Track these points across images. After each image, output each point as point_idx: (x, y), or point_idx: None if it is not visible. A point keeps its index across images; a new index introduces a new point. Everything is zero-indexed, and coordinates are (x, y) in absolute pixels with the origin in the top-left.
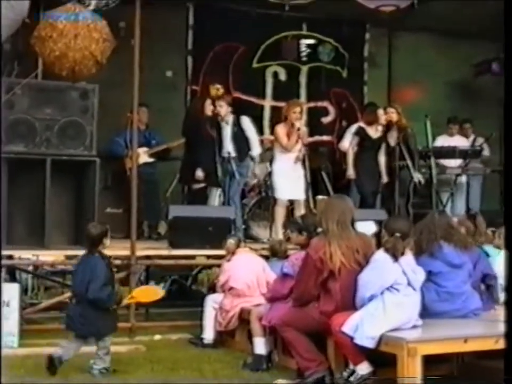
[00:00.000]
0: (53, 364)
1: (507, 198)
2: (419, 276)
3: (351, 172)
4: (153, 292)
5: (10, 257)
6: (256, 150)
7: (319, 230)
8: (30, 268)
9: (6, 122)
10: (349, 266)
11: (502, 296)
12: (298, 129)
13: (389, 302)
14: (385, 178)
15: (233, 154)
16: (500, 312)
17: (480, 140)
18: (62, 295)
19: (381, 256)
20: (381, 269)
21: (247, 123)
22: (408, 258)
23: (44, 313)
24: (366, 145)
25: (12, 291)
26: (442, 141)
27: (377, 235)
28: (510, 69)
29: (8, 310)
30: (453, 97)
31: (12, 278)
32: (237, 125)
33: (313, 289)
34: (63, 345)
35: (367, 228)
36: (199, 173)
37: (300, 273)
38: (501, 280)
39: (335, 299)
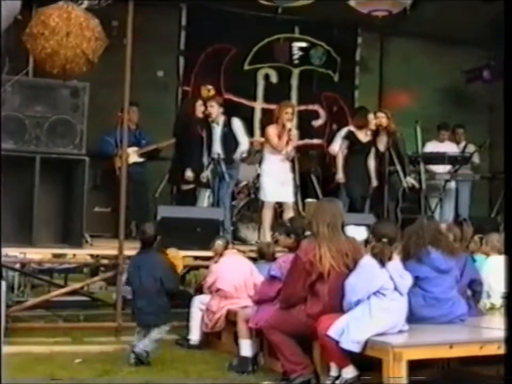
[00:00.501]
0: (141, 361)
1: (508, 202)
2: (406, 280)
3: (340, 176)
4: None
5: None
6: (243, 146)
7: (307, 233)
8: (17, 266)
9: None
10: (338, 269)
11: (487, 302)
12: (290, 130)
13: (376, 306)
14: (374, 183)
15: (222, 155)
16: (485, 318)
17: (471, 147)
18: (49, 294)
19: (368, 261)
20: (368, 274)
21: (237, 125)
22: (395, 263)
23: (30, 312)
24: (355, 149)
25: None
26: (432, 147)
27: (366, 240)
28: (509, 71)
29: None
30: (444, 103)
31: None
32: (227, 126)
33: (301, 291)
34: (139, 341)
35: (359, 233)
36: (189, 173)
37: (288, 275)
38: (486, 287)
39: (322, 301)
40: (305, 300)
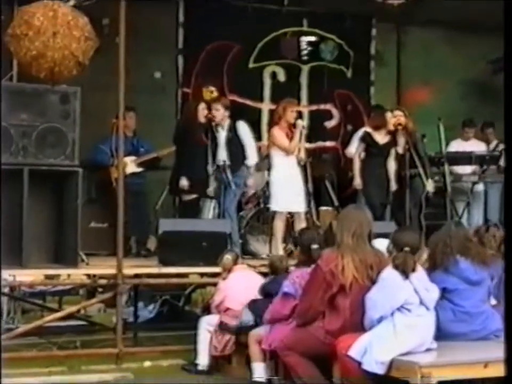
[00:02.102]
0: None
1: (507, 206)
2: (433, 293)
3: (358, 181)
4: None
5: None
6: (252, 158)
7: (314, 246)
8: (6, 289)
9: None
10: (361, 282)
11: None
12: (303, 127)
13: (400, 323)
14: (393, 187)
15: (228, 162)
16: None
17: (501, 146)
18: (42, 319)
19: (389, 274)
20: (390, 288)
21: (244, 129)
22: (419, 274)
23: (21, 340)
24: (373, 152)
25: None
26: (457, 146)
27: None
28: (509, 69)
29: None
30: (469, 97)
31: None
32: (233, 130)
33: (320, 304)
34: None
35: (379, 244)
36: (184, 182)
37: (307, 286)
38: None
39: (343, 317)
40: (324, 315)
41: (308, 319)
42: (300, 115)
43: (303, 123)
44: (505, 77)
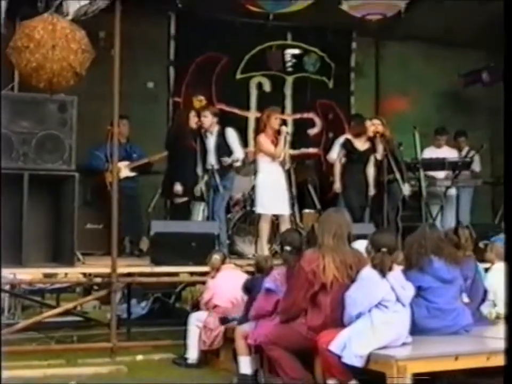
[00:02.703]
0: None
1: (507, 208)
2: (408, 291)
3: (338, 185)
4: None
5: None
6: (238, 154)
7: (288, 248)
8: (7, 287)
9: None
10: (341, 281)
11: (493, 311)
12: (287, 133)
13: (378, 319)
14: (372, 191)
15: (216, 166)
16: (492, 328)
17: (472, 153)
18: (41, 315)
19: (368, 273)
20: (369, 286)
21: (231, 135)
22: (396, 273)
23: (21, 334)
24: (353, 158)
25: None
26: (430, 153)
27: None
28: (510, 74)
29: None
30: (442, 107)
31: None
32: (221, 136)
33: (302, 302)
34: None
35: (358, 245)
36: (178, 187)
37: (291, 285)
38: (491, 296)
39: (324, 313)
40: (306, 312)
41: (291, 316)
42: (284, 122)
43: (287, 129)
44: (505, 78)
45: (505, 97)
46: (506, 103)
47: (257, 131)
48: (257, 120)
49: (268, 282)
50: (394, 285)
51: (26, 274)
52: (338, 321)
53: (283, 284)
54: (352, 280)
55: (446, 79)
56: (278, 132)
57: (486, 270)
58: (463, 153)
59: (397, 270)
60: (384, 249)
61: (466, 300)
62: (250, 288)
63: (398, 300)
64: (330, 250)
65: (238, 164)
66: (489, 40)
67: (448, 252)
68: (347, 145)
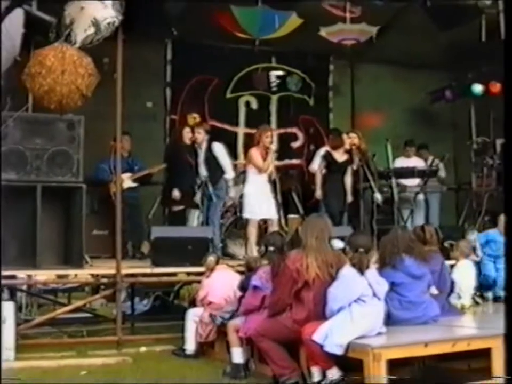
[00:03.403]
0: None
1: (507, 208)
2: (383, 286)
3: (319, 193)
4: None
5: (9, 277)
6: (229, 173)
7: (271, 248)
8: (24, 287)
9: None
10: (322, 278)
11: (458, 303)
12: (275, 151)
13: (356, 312)
14: (350, 198)
15: (208, 178)
16: (456, 318)
17: (437, 161)
18: (54, 312)
19: (347, 271)
20: (348, 283)
21: (218, 149)
22: (372, 271)
23: (37, 329)
24: (332, 168)
25: (8, 309)
26: (401, 162)
27: (343, 250)
28: (509, 77)
29: (5, 326)
30: (411, 122)
31: (11, 297)
32: (209, 150)
33: (287, 297)
34: None
35: (335, 244)
36: (176, 193)
37: (277, 282)
38: (457, 289)
39: (307, 308)
40: (291, 307)
41: (277, 311)
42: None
43: (274, 148)
44: (506, 80)
45: (505, 97)
46: (506, 102)
47: (250, 145)
48: (246, 135)
49: (255, 280)
50: (371, 281)
51: (41, 276)
52: (320, 314)
53: (268, 281)
54: (333, 278)
55: (414, 97)
56: (267, 149)
57: (452, 266)
58: (428, 162)
59: (373, 267)
60: (361, 250)
61: (435, 291)
62: (244, 286)
63: (374, 294)
64: (313, 251)
65: (230, 183)
66: (450, 61)
67: (418, 251)
68: (327, 157)
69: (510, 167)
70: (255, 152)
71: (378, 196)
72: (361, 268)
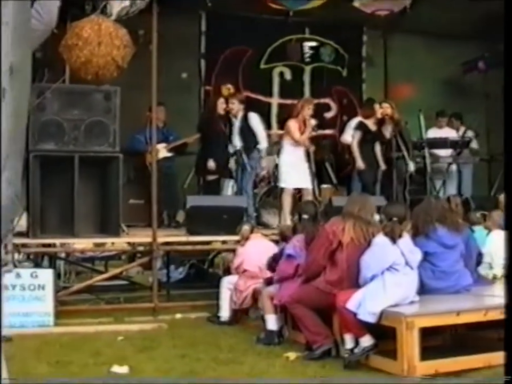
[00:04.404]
0: None
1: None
2: (416, 256)
3: (360, 164)
4: None
5: (47, 245)
6: (263, 143)
7: (305, 216)
8: (63, 255)
9: (39, 124)
10: (357, 242)
11: (489, 273)
12: (316, 125)
13: (389, 281)
14: (383, 166)
15: (242, 148)
16: (489, 287)
17: (469, 132)
18: (92, 279)
19: (380, 239)
20: (381, 251)
21: (254, 119)
22: (405, 240)
23: (75, 296)
24: (366, 138)
25: (47, 276)
26: (433, 133)
27: (380, 222)
28: (509, 65)
29: (44, 292)
30: (443, 93)
31: (50, 265)
32: (245, 120)
33: (322, 259)
34: None
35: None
36: (211, 163)
37: (313, 244)
38: (488, 259)
39: (340, 269)
40: (325, 269)
41: (311, 274)
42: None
43: (314, 123)
44: (505, 76)
45: (505, 97)
46: (506, 99)
47: (290, 116)
48: (280, 106)
49: (289, 249)
50: (403, 250)
51: (79, 244)
52: (353, 277)
53: (302, 250)
54: (369, 244)
55: (446, 68)
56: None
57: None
58: (460, 133)
59: (406, 237)
60: (395, 219)
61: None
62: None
63: (407, 263)
64: (352, 218)
65: (263, 153)
66: (484, 33)
67: (451, 220)
68: (362, 127)
69: (510, 166)
70: (293, 124)
71: (411, 165)
72: (393, 237)
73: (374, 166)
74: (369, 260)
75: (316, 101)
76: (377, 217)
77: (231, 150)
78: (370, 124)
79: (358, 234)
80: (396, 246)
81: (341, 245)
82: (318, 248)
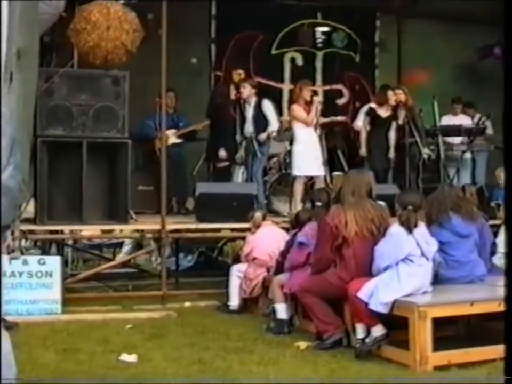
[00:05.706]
0: None
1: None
2: (432, 246)
3: (363, 150)
4: None
5: (55, 232)
6: (273, 126)
7: (318, 203)
8: (70, 242)
9: (46, 108)
10: (361, 235)
11: (504, 263)
12: (319, 102)
13: (403, 272)
14: (392, 153)
15: (254, 134)
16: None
17: (484, 119)
18: (100, 266)
19: (396, 229)
20: (396, 242)
21: (267, 105)
22: (421, 229)
23: (83, 283)
24: (377, 124)
25: (54, 263)
26: (448, 120)
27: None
28: (509, 55)
29: (52, 280)
30: (458, 79)
31: (58, 251)
32: (258, 106)
33: (329, 253)
34: None
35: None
36: (222, 153)
37: (318, 239)
38: (502, 249)
39: (349, 265)
40: (335, 263)
41: (321, 267)
42: (315, 93)
43: (319, 99)
44: (505, 72)
45: (505, 96)
46: (506, 101)
47: (291, 101)
48: (291, 92)
49: (300, 237)
50: (419, 241)
51: (87, 231)
52: (364, 272)
53: (314, 237)
54: (373, 234)
55: (461, 53)
56: (310, 102)
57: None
58: (475, 120)
59: (422, 226)
60: (410, 208)
61: None
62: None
63: (422, 254)
64: (351, 207)
65: (274, 134)
66: (500, 17)
67: (466, 209)
68: (371, 113)
69: (510, 165)
70: (297, 107)
71: (424, 152)
72: (409, 226)
73: (385, 153)
74: (384, 250)
75: (327, 87)
76: (381, 203)
77: (238, 138)
78: (382, 110)
79: (361, 227)
80: (411, 236)
81: (346, 240)
82: (324, 244)
